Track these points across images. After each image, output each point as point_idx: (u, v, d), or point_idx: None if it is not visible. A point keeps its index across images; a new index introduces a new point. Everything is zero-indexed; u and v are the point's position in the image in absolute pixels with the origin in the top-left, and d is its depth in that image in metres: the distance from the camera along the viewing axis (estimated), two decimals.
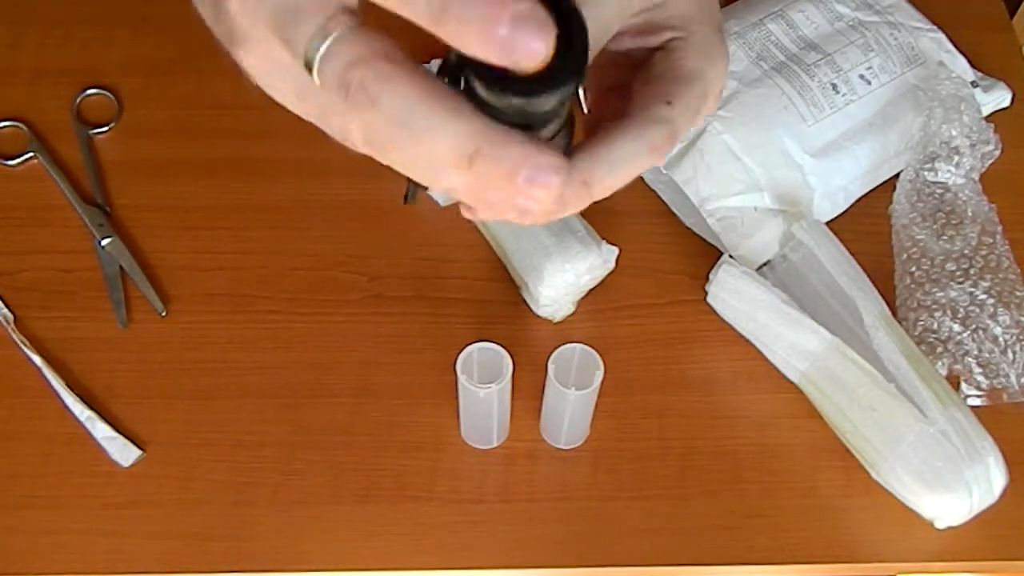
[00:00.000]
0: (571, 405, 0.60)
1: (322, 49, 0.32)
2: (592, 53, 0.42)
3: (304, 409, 0.67)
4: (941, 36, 0.75)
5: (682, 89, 0.41)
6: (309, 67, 0.33)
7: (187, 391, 0.67)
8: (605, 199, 0.42)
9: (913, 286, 0.69)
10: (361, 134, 0.34)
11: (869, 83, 0.72)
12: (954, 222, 0.70)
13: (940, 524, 0.62)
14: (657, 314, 0.70)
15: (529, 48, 0.30)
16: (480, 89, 0.32)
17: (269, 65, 0.36)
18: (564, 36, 0.31)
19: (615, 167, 0.39)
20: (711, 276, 0.68)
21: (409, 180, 0.43)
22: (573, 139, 0.40)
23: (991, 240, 0.69)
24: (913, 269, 0.69)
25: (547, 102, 0.32)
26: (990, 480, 0.60)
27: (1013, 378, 0.66)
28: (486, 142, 0.32)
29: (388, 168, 0.35)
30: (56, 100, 0.78)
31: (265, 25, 0.34)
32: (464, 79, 0.33)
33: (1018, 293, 0.68)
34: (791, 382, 0.67)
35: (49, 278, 0.71)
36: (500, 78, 0.31)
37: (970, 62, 0.76)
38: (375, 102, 0.32)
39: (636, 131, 0.39)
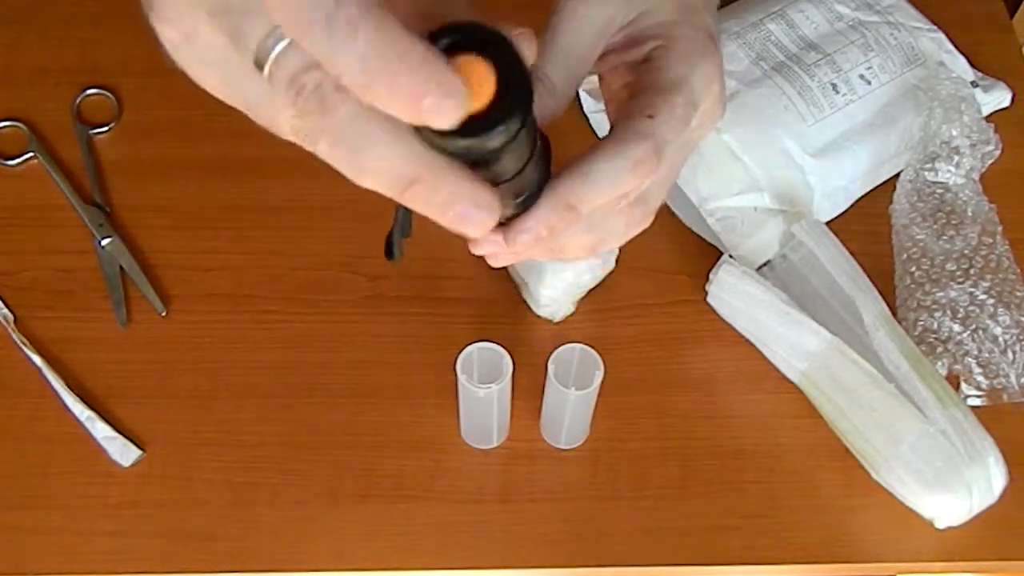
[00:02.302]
0: (571, 405, 0.60)
1: (278, 48, 0.31)
2: (578, 76, 0.42)
3: (304, 409, 0.67)
4: (941, 36, 0.75)
5: (664, 99, 0.40)
6: (260, 64, 0.32)
7: (187, 391, 0.67)
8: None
9: (913, 286, 0.69)
10: (290, 127, 0.33)
11: (869, 83, 0.72)
12: (954, 222, 0.70)
13: (940, 524, 0.62)
14: (657, 314, 0.70)
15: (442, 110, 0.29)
16: (422, 132, 0.31)
17: (194, 46, 0.35)
18: (501, 74, 0.30)
19: (597, 185, 0.39)
20: (711, 276, 0.68)
21: (392, 233, 0.43)
22: (551, 167, 0.40)
23: (991, 240, 0.69)
24: (913, 269, 0.69)
25: (493, 140, 0.32)
26: (990, 480, 0.60)
27: (1013, 378, 0.66)
28: (427, 172, 0.32)
29: None
30: (56, 100, 0.78)
31: (204, 11, 0.33)
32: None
33: (1018, 293, 0.68)
34: (791, 382, 0.67)
35: (49, 278, 0.71)
36: None
37: (970, 62, 0.76)
38: (330, 111, 0.31)
39: (615, 147, 0.39)
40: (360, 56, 0.28)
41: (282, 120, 0.33)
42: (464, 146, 0.32)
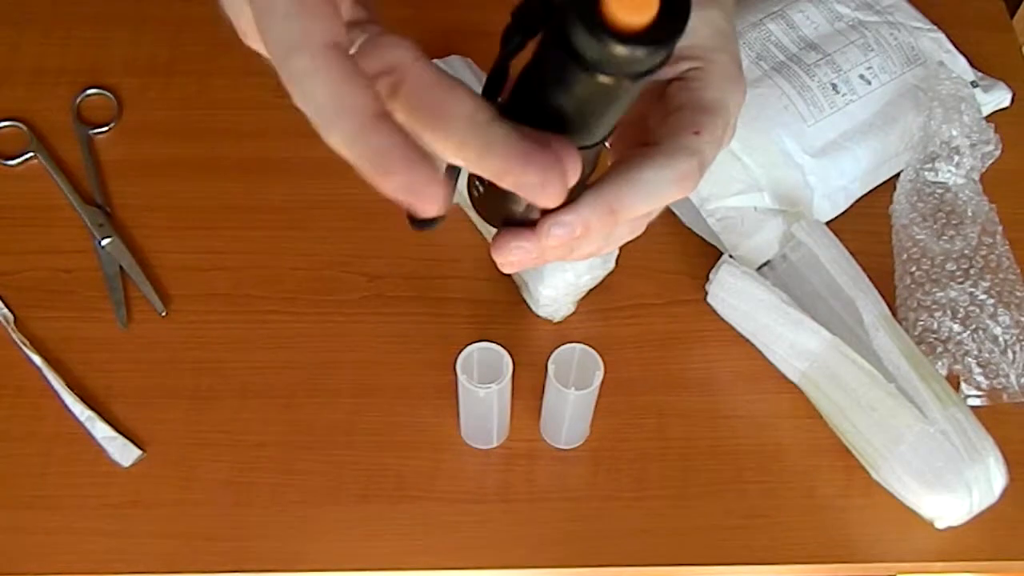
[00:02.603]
0: (571, 405, 0.60)
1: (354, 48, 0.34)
2: None
3: (304, 409, 0.67)
4: (941, 36, 0.75)
5: (709, 120, 0.42)
6: None
7: (187, 391, 0.67)
8: None
9: (913, 286, 0.69)
10: None
11: (869, 83, 0.72)
12: (954, 222, 0.70)
13: (940, 524, 0.62)
14: (657, 314, 0.70)
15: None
16: (579, 37, 0.32)
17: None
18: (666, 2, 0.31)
19: (643, 194, 0.39)
20: (711, 276, 0.68)
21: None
22: (594, 171, 0.40)
23: (991, 240, 0.69)
24: (913, 269, 0.69)
25: (644, 59, 0.32)
26: (990, 480, 0.60)
27: (1013, 378, 0.66)
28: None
29: None
30: (56, 100, 0.78)
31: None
32: (550, 30, 0.33)
33: (1018, 293, 0.68)
34: (791, 382, 0.67)
35: (49, 278, 0.71)
36: (602, 25, 0.31)
37: (970, 62, 0.76)
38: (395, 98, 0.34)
39: (665, 159, 0.40)
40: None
41: None
42: (619, 58, 0.32)
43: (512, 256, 0.40)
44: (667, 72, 0.43)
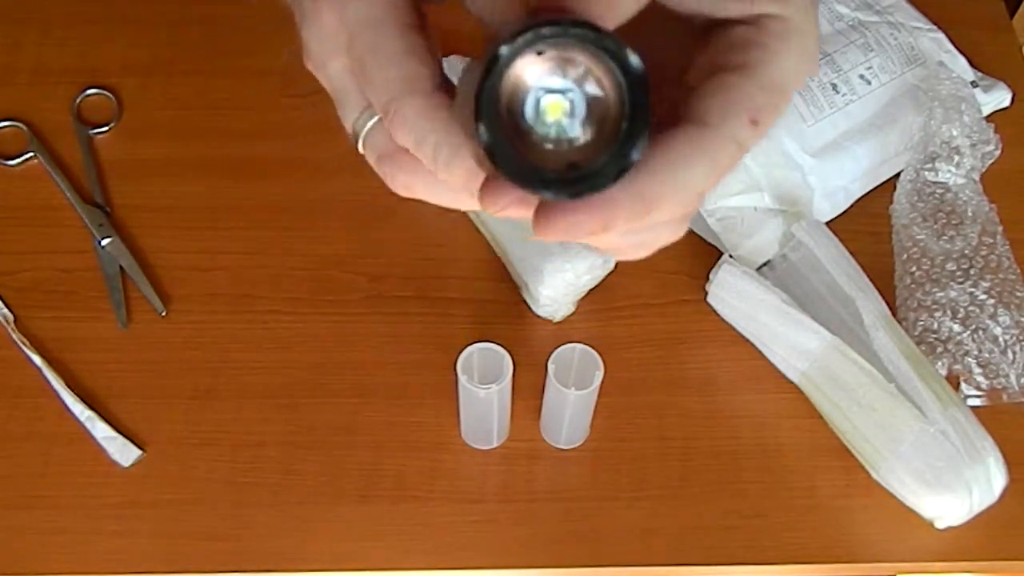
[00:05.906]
0: (571, 405, 0.60)
1: (366, 128, 0.36)
2: None
3: (304, 409, 0.67)
4: (941, 36, 0.75)
5: (771, 105, 0.32)
6: (355, 137, 0.37)
7: (187, 391, 0.67)
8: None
9: (913, 286, 0.69)
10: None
11: (869, 83, 0.72)
12: (954, 222, 0.70)
13: (940, 524, 0.62)
14: (657, 314, 0.70)
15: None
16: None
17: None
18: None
19: (678, 187, 0.31)
20: (711, 276, 0.68)
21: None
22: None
23: (991, 240, 0.69)
24: (913, 269, 0.69)
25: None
26: (990, 480, 0.60)
27: (1013, 378, 0.66)
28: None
29: None
30: (56, 100, 0.78)
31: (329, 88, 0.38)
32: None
33: (1018, 293, 0.68)
34: (791, 382, 0.67)
35: (49, 278, 0.71)
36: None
37: (970, 62, 0.76)
38: (393, 183, 0.36)
39: (713, 151, 0.31)
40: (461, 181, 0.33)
41: None
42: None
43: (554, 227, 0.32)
44: (737, 7, 0.32)
